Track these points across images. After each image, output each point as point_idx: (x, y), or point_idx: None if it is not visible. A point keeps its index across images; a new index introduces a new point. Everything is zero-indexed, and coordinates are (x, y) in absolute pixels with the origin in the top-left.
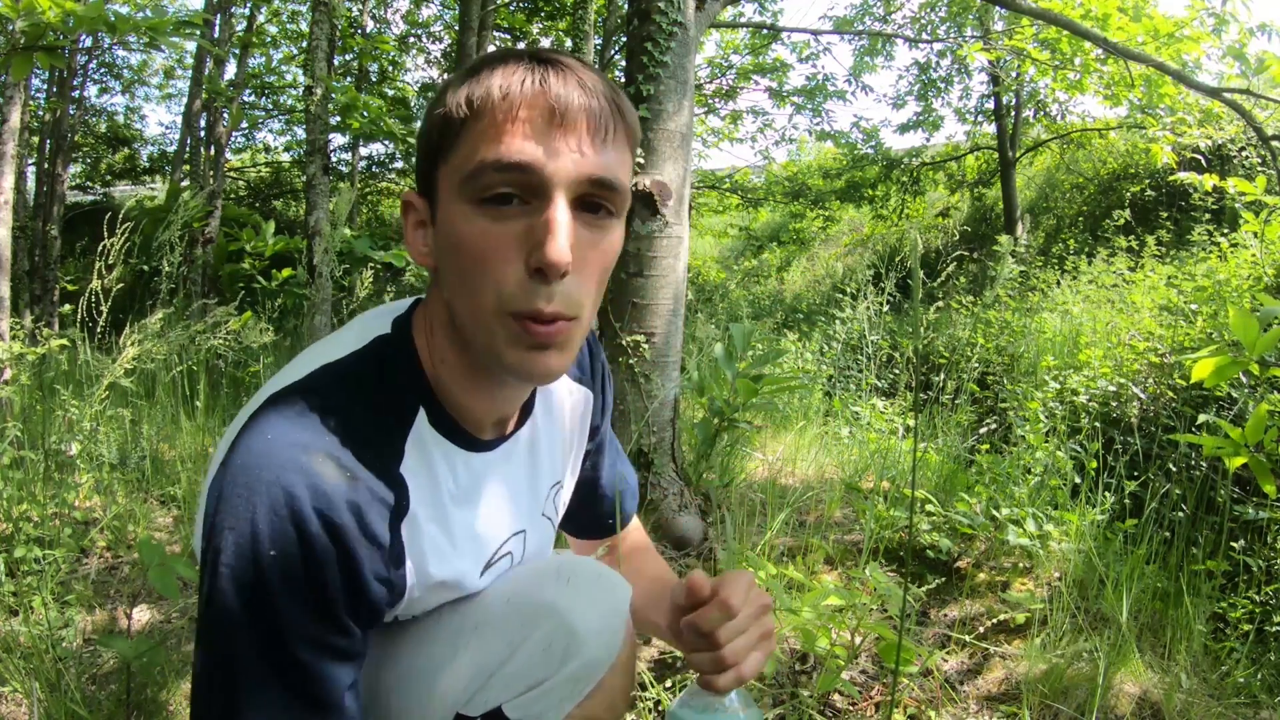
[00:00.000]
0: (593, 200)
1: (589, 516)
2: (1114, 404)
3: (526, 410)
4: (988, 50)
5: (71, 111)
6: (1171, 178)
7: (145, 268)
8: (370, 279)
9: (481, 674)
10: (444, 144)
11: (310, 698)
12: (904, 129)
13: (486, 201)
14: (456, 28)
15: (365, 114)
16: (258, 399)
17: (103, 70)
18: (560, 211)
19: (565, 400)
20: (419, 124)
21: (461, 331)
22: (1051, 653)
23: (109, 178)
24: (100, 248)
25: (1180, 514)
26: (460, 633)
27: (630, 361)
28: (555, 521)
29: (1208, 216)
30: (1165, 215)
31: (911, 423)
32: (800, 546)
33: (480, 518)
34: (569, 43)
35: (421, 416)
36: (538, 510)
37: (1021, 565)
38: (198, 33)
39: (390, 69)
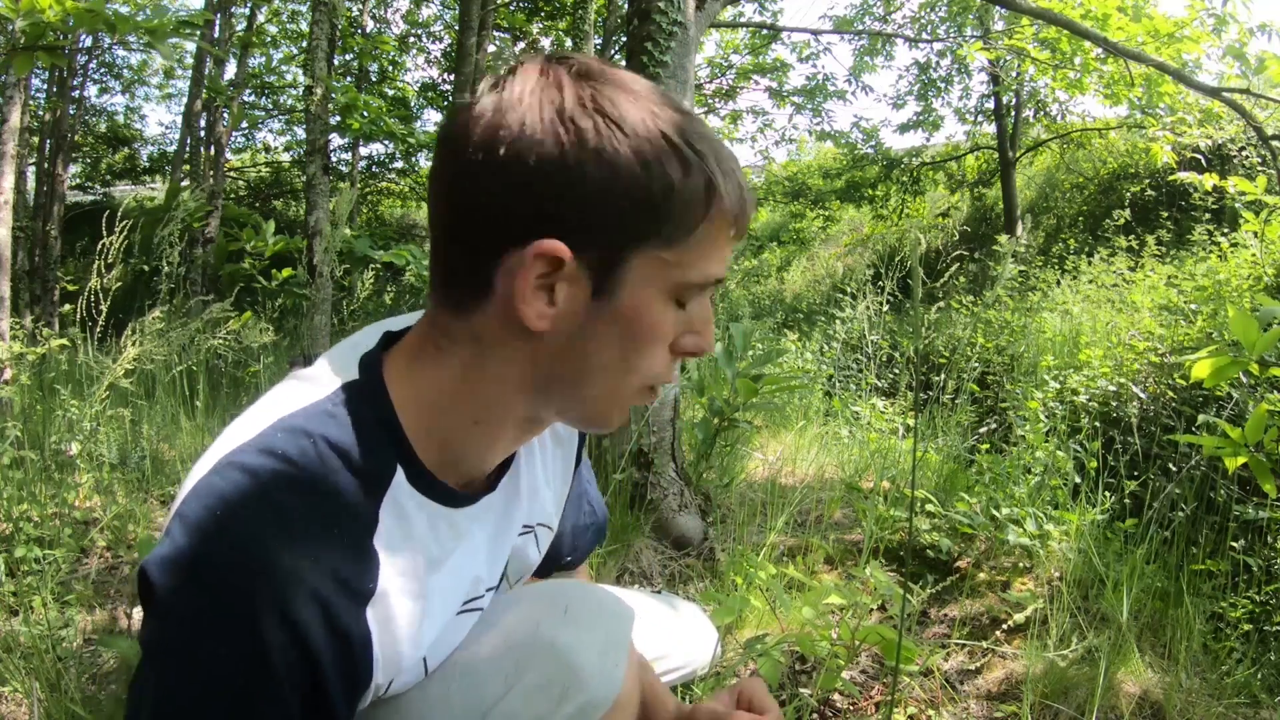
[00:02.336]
0: None
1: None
2: (1114, 404)
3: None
4: (988, 50)
5: (71, 111)
6: (1171, 177)
7: (145, 267)
8: (371, 280)
9: (474, 713)
10: (660, 222)
11: None
12: (904, 129)
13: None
14: (456, 28)
15: (365, 114)
16: (208, 460)
17: (103, 70)
18: (711, 306)
19: (548, 438)
20: (549, 160)
21: (562, 399)
22: (1052, 652)
23: (109, 178)
24: (100, 246)
25: (1180, 514)
26: (452, 665)
27: None
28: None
29: (1208, 216)
30: (1165, 215)
31: (911, 423)
32: (800, 546)
33: (462, 578)
34: (569, 43)
35: (400, 477)
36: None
37: (1021, 565)
38: (198, 33)
39: (390, 69)
